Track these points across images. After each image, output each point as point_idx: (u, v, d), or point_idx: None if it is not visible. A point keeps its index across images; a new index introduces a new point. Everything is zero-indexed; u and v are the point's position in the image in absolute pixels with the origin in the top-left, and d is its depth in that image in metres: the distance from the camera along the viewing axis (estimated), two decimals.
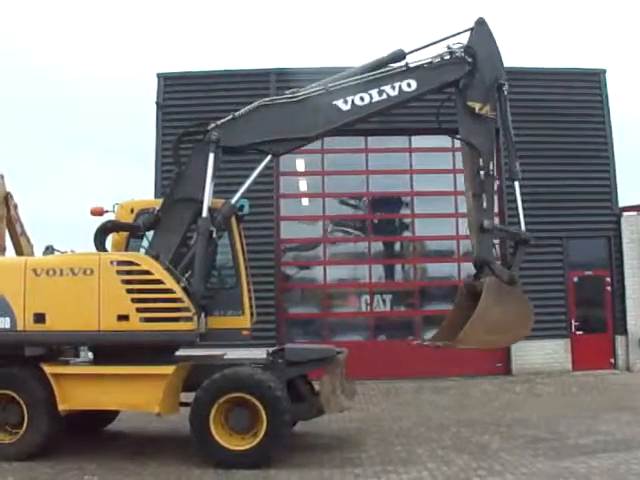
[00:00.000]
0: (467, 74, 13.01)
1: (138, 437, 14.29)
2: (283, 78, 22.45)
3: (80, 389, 11.88)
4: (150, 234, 12.73)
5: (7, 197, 18.93)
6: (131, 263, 11.94)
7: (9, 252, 19.06)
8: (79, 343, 13.03)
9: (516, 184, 13.36)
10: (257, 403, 11.34)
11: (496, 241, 14.10)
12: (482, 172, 12.94)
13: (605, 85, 23.95)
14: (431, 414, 16.11)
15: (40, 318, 11.72)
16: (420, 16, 55.42)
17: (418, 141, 23.02)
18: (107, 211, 13.23)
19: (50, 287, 11.81)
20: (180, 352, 12.99)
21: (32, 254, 18.70)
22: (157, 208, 12.81)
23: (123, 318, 11.58)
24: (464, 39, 13.27)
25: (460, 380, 20.59)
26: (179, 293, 11.67)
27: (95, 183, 49.13)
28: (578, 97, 23.73)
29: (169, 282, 11.69)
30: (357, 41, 55.81)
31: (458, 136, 13.46)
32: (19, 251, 19.29)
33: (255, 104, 12.92)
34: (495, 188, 13.70)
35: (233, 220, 12.88)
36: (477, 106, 12.99)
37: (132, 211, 13.14)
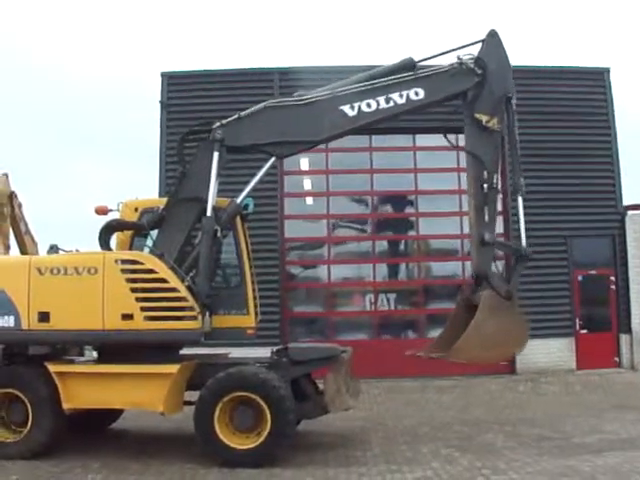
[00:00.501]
0: (476, 86, 12.93)
1: (142, 436, 14.31)
2: (287, 77, 22.46)
3: (84, 388, 11.89)
4: (154, 233, 12.74)
5: (11, 196, 18.93)
6: (135, 262, 11.94)
7: (13, 251, 19.09)
8: (83, 342, 13.03)
9: (519, 199, 13.29)
10: (261, 402, 11.35)
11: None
12: (485, 185, 12.89)
13: (609, 84, 23.89)
14: (435, 413, 16.13)
15: (44, 317, 11.73)
16: (424, 13, 55.50)
17: (422, 140, 22.95)
18: (111, 210, 13.25)
19: (54, 286, 11.82)
20: (184, 351, 13.00)
21: (36, 253, 18.72)
22: (161, 207, 12.83)
23: (127, 317, 11.59)
24: (473, 49, 13.23)
25: (464, 379, 20.55)
26: (183, 292, 11.69)
27: (99, 183, 49.06)
28: (582, 96, 23.69)
29: (173, 281, 11.70)
30: (361, 40, 55.79)
31: (463, 147, 13.41)
32: (23, 250, 19.30)
33: (261, 105, 12.90)
34: (498, 202, 13.68)
35: (237, 219, 12.89)
36: (484, 118, 12.89)
37: (136, 210, 13.17)
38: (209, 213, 12.12)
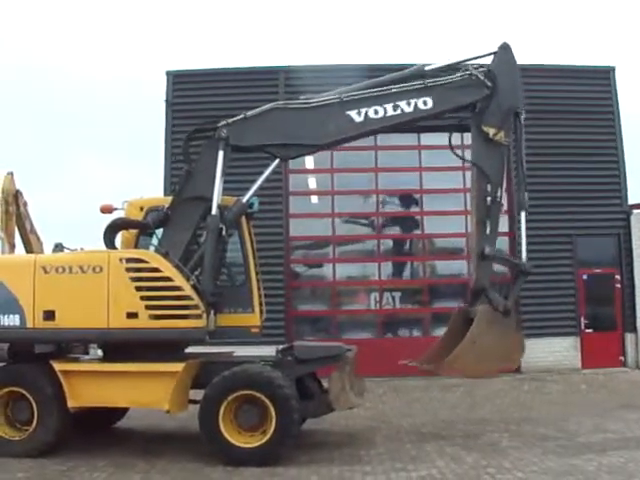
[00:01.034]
0: (485, 98, 12.90)
1: (147, 434, 14.31)
2: (292, 76, 22.52)
3: (89, 386, 11.91)
4: (160, 232, 12.75)
5: (17, 195, 18.97)
6: (140, 260, 11.95)
7: (19, 250, 19.11)
8: (88, 340, 13.04)
9: (522, 214, 13.26)
10: (266, 401, 11.34)
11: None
12: (489, 198, 12.88)
13: (614, 82, 23.90)
14: (440, 412, 16.13)
15: (49, 315, 11.74)
16: (430, 12, 55.48)
17: (427, 138, 22.95)
18: (116, 209, 13.25)
19: (59, 284, 11.83)
20: (189, 349, 13.01)
21: (41, 252, 18.75)
22: (166, 206, 12.83)
23: (132, 315, 11.59)
24: (481, 59, 13.24)
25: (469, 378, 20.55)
26: (188, 290, 11.69)
27: (104, 181, 49.23)
28: (587, 94, 23.71)
29: (178, 279, 11.71)
30: (367, 38, 55.80)
31: (469, 159, 13.39)
32: (29, 249, 19.32)
33: (268, 106, 12.87)
34: (505, 207, 13.66)
35: (243, 218, 12.89)
36: (491, 131, 12.87)
37: (142, 209, 13.14)
38: (214, 212, 12.13)
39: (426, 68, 13.23)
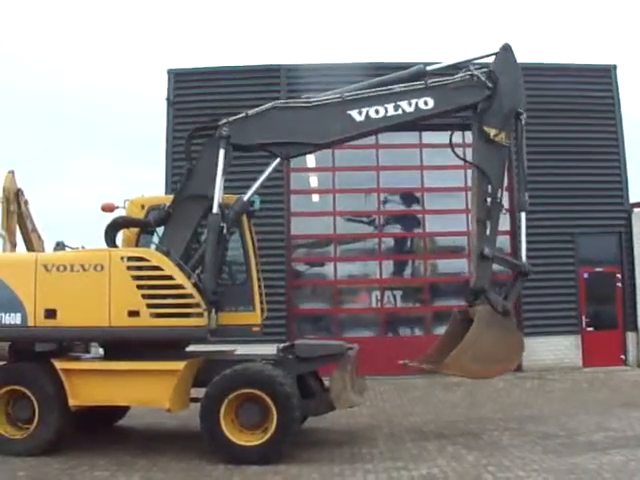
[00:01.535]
0: (486, 99, 12.92)
1: (149, 433, 14.34)
2: (293, 74, 22.52)
3: (91, 385, 11.90)
4: (161, 230, 12.76)
5: (18, 193, 19.01)
6: (141, 259, 11.96)
7: (20, 248, 19.14)
8: (90, 339, 13.07)
9: (522, 215, 13.27)
10: (267, 399, 11.34)
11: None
12: (489, 199, 12.88)
13: (616, 80, 23.88)
14: (441, 410, 16.14)
15: (51, 314, 11.73)
16: (431, 10, 55.48)
17: (428, 137, 22.94)
18: (118, 207, 13.26)
19: (61, 283, 11.83)
20: (190, 348, 13.02)
21: (43, 250, 18.77)
22: (168, 204, 12.83)
23: (134, 314, 11.59)
24: (482, 60, 13.24)
25: None
26: (190, 289, 11.69)
27: (105, 180, 49.22)
28: (589, 93, 23.69)
29: (180, 278, 11.71)
30: (368, 37, 55.78)
31: (469, 159, 13.38)
32: (30, 247, 19.38)
33: (269, 105, 12.88)
34: (506, 205, 13.66)
35: (244, 216, 12.88)
36: (492, 132, 12.88)
37: (143, 207, 13.17)
38: (215, 210, 12.12)
39: (427, 68, 13.24)
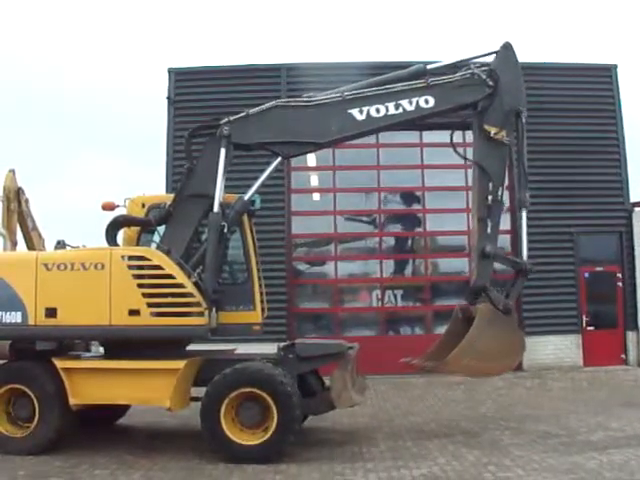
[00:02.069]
0: (486, 97, 12.89)
1: (149, 432, 14.33)
2: (294, 73, 22.51)
3: (91, 383, 11.90)
4: (162, 229, 12.76)
5: (18, 192, 19.03)
6: (142, 258, 11.96)
7: (20, 247, 19.16)
8: (90, 338, 13.07)
9: (523, 213, 13.25)
10: (268, 398, 11.35)
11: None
12: (490, 197, 12.87)
13: (616, 80, 23.88)
14: (442, 409, 16.14)
15: (51, 312, 11.74)
16: (432, 9, 55.46)
17: (429, 136, 22.94)
18: (118, 206, 13.26)
19: (61, 282, 11.83)
20: (191, 347, 13.02)
21: (43, 249, 18.78)
22: (168, 203, 12.84)
23: (134, 313, 11.59)
24: (482, 59, 13.23)
25: None
26: (190, 288, 11.68)
27: (106, 179, 49.22)
28: (589, 92, 23.69)
29: (180, 277, 11.70)
30: (369, 36, 55.71)
31: (470, 158, 13.38)
32: (30, 246, 19.40)
33: (270, 104, 12.87)
34: (506, 204, 13.65)
35: (244, 215, 12.88)
36: (493, 130, 12.86)
37: (143, 206, 13.18)
38: (216, 209, 12.12)
39: (428, 67, 13.23)
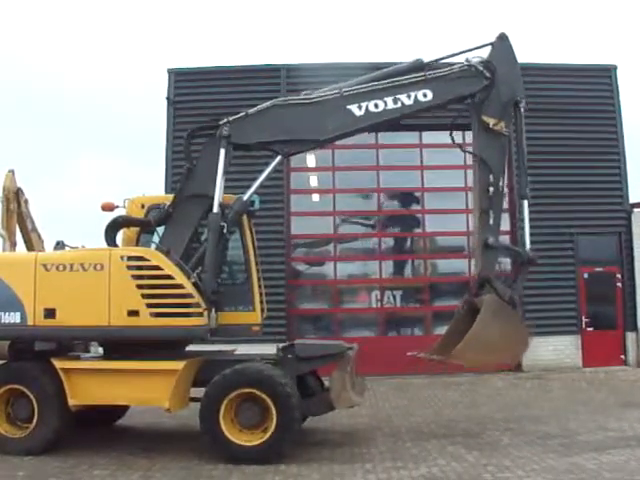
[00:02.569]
0: (484, 89, 12.88)
1: (148, 432, 14.34)
2: (294, 74, 22.49)
3: (90, 384, 11.90)
4: (161, 230, 12.75)
5: (18, 193, 19.03)
6: (141, 258, 11.95)
7: (20, 247, 19.15)
8: (89, 338, 13.05)
9: (525, 203, 13.27)
10: (267, 399, 11.33)
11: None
12: (491, 188, 12.86)
13: (616, 81, 23.88)
14: (441, 410, 16.13)
15: (50, 313, 11.73)
16: (432, 10, 55.46)
17: (429, 137, 22.98)
18: (118, 206, 13.25)
19: (60, 282, 11.82)
20: (190, 347, 13.01)
21: (42, 249, 18.78)
22: (168, 203, 12.83)
23: (133, 313, 11.57)
24: (482, 52, 13.20)
25: (470, 376, 20.50)
26: (189, 288, 11.67)
27: (105, 179, 49.27)
28: (589, 93, 23.71)
29: (179, 277, 11.69)
30: (368, 37, 55.76)
31: (470, 150, 13.38)
32: (29, 246, 19.40)
33: (268, 103, 12.87)
34: (504, 205, 13.66)
35: (244, 216, 12.87)
36: (492, 121, 12.86)
37: (143, 207, 13.17)
38: (215, 210, 12.12)
39: (425, 61, 13.23)
